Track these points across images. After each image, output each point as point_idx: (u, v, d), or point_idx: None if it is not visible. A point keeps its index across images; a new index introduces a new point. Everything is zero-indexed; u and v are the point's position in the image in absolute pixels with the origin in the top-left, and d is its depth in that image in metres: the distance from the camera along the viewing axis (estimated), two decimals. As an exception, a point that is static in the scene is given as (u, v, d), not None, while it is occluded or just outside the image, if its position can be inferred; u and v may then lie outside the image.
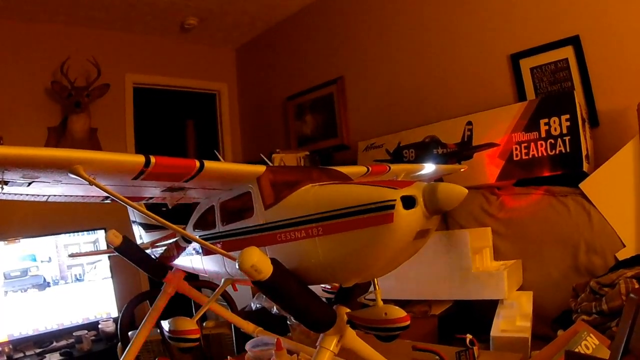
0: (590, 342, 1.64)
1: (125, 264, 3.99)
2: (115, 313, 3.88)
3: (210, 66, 5.35)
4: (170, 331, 1.31)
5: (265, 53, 5.18)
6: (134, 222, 2.18)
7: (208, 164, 1.16)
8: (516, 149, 2.80)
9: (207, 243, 1.14)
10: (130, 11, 4.27)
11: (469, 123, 2.99)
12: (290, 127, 4.75)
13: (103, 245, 3.83)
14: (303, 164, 3.63)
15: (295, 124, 4.70)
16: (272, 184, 1.24)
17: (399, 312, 1.23)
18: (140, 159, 1.09)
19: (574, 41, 2.89)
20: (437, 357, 1.76)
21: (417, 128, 3.27)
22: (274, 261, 1.08)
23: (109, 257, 3.86)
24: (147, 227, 2.06)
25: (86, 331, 3.64)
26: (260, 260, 1.04)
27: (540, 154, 2.72)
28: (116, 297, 3.93)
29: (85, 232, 3.92)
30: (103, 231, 3.87)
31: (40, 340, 3.57)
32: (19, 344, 3.47)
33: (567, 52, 2.92)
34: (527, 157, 2.76)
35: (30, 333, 3.55)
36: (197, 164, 1.14)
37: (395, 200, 1.00)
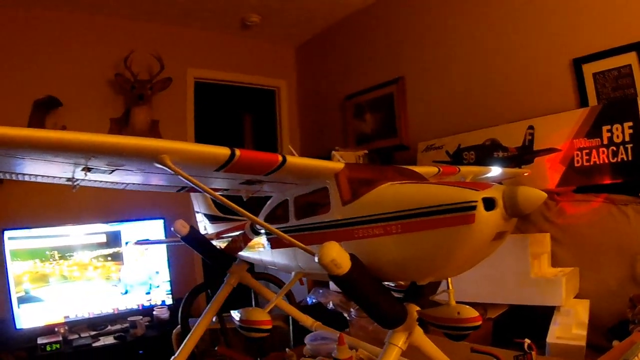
0: (646, 354, 1.61)
1: (181, 254, 4.13)
2: (169, 301, 4.00)
3: (270, 63, 5.40)
4: (242, 321, 1.33)
5: (325, 51, 5.20)
6: (198, 213, 2.23)
7: (290, 158, 1.18)
8: (577, 155, 2.77)
9: (288, 237, 1.16)
10: (193, 7, 4.35)
11: (531, 127, 2.96)
12: (348, 126, 4.75)
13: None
14: (362, 162, 3.64)
15: (354, 122, 4.69)
16: (350, 180, 1.25)
17: (472, 312, 1.24)
18: (226, 151, 1.11)
19: (638, 47, 2.80)
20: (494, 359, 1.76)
21: (477, 130, 3.26)
22: (352, 257, 1.10)
23: (166, 246, 3.96)
24: (212, 219, 2.12)
25: (141, 317, 3.75)
26: (340, 255, 1.07)
27: (601, 161, 2.69)
28: (171, 286, 4.04)
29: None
30: (162, 221, 3.98)
31: (95, 323, 3.70)
32: (75, 326, 3.61)
33: (631, 58, 2.82)
34: (588, 163, 2.73)
35: (86, 316, 3.69)
36: (280, 158, 1.17)
37: (477, 201, 1.01)
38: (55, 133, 0.95)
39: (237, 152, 1.12)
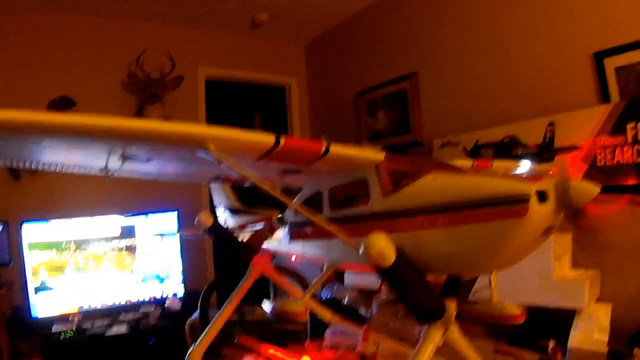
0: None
1: (194, 247, 4.14)
2: (181, 292, 4.00)
3: (280, 61, 5.38)
4: (276, 312, 1.29)
5: (336, 48, 5.14)
6: (218, 205, 2.21)
7: (333, 147, 1.15)
8: (600, 153, 2.69)
9: (333, 228, 1.13)
10: (204, 7, 4.36)
11: (551, 124, 2.88)
12: (361, 123, 4.69)
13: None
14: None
15: (366, 119, 4.63)
16: (391, 171, 1.22)
17: (516, 309, 1.21)
18: (271, 138, 1.09)
19: (663, 40, 2.69)
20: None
21: (495, 127, 3.19)
22: (397, 249, 1.07)
23: (180, 239, 3.95)
24: (234, 211, 2.09)
25: (153, 307, 3.77)
26: (386, 246, 1.04)
27: (625, 160, 2.60)
28: (184, 278, 4.04)
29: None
30: (175, 213, 3.97)
31: (109, 313, 3.72)
32: (88, 315, 3.64)
33: (656, 52, 2.71)
34: (611, 162, 2.65)
35: (100, 306, 3.71)
36: (324, 147, 1.14)
37: (529, 193, 0.98)
38: (100, 118, 0.93)
39: (282, 140, 1.09)
